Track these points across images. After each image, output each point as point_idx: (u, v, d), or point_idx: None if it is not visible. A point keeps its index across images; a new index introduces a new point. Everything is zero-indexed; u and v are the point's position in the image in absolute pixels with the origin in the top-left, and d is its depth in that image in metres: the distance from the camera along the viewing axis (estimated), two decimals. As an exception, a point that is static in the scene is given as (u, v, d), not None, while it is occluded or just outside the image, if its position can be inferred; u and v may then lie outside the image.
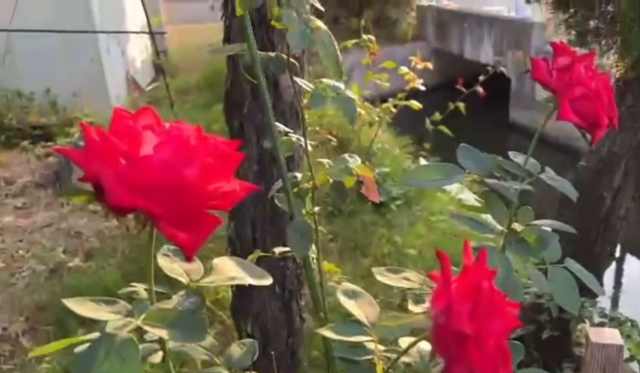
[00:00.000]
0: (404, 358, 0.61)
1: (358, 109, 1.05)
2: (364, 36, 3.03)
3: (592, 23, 1.96)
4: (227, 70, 1.78)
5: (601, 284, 2.28)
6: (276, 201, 1.02)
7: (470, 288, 0.45)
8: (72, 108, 4.89)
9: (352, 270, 2.53)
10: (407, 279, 0.86)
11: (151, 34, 4.61)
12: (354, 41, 3.07)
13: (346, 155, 1.13)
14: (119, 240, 3.06)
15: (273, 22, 1.01)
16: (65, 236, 3.17)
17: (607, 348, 1.02)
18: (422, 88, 2.88)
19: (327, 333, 0.58)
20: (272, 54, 1.02)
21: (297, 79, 1.07)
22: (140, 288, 0.61)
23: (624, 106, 2.04)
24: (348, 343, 0.58)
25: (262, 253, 1.14)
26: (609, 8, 1.86)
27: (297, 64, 1.25)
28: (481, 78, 3.45)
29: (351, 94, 1.06)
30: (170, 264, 0.63)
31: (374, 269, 0.89)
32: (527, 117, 5.81)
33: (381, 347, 0.58)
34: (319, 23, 0.99)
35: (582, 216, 2.16)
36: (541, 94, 0.74)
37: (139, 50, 6.41)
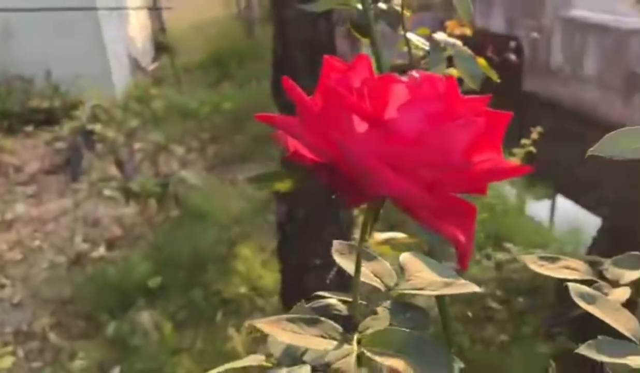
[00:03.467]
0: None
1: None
2: None
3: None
4: (276, 39, 1.61)
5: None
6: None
7: None
8: (75, 91, 4.68)
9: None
10: (569, 268, 0.73)
11: (157, 9, 4.39)
12: None
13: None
14: (141, 227, 2.91)
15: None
16: (83, 225, 3.02)
17: None
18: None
19: (589, 352, 0.43)
20: (383, 6, 0.87)
21: (410, 34, 0.91)
22: (333, 299, 0.46)
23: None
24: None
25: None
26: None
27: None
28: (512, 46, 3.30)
29: (469, 51, 0.91)
30: (347, 263, 0.49)
31: (523, 257, 0.75)
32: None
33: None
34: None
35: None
36: None
37: (138, 29, 6.17)
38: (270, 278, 2.29)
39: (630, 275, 0.71)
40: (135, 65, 5.87)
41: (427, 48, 0.90)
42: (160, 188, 2.81)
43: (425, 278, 0.48)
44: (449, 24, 2.84)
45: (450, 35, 2.52)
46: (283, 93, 1.53)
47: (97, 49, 4.86)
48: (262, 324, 0.40)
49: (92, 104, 4.31)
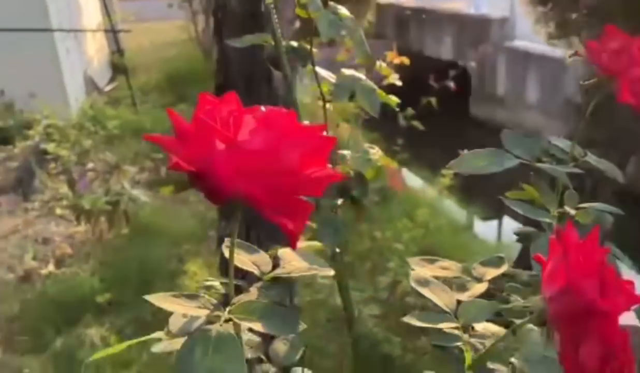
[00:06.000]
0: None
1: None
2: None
3: (572, 15, 2.01)
4: (219, 65, 1.73)
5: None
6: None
7: (591, 265, 0.45)
8: (30, 110, 4.68)
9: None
10: (446, 268, 0.86)
11: (114, 32, 4.47)
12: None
13: (366, 145, 1.12)
14: (91, 245, 2.95)
15: (297, 11, 1.00)
16: (33, 243, 3.04)
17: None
18: (399, 83, 2.89)
19: (412, 320, 0.57)
20: (295, 45, 1.01)
21: (319, 69, 1.05)
22: (216, 282, 0.58)
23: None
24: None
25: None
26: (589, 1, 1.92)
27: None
28: (452, 73, 3.51)
29: (373, 84, 1.05)
30: (238, 256, 0.61)
31: (409, 259, 0.87)
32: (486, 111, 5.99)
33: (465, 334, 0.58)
34: (344, 11, 0.98)
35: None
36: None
37: (95, 50, 6.21)
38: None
39: (492, 272, 0.86)
40: (92, 86, 5.90)
41: (334, 81, 1.04)
42: (111, 206, 2.87)
43: (294, 266, 0.61)
44: (389, 54, 3.00)
45: (389, 64, 2.68)
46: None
47: (53, 69, 4.89)
48: (153, 298, 0.52)
49: (46, 123, 4.33)
